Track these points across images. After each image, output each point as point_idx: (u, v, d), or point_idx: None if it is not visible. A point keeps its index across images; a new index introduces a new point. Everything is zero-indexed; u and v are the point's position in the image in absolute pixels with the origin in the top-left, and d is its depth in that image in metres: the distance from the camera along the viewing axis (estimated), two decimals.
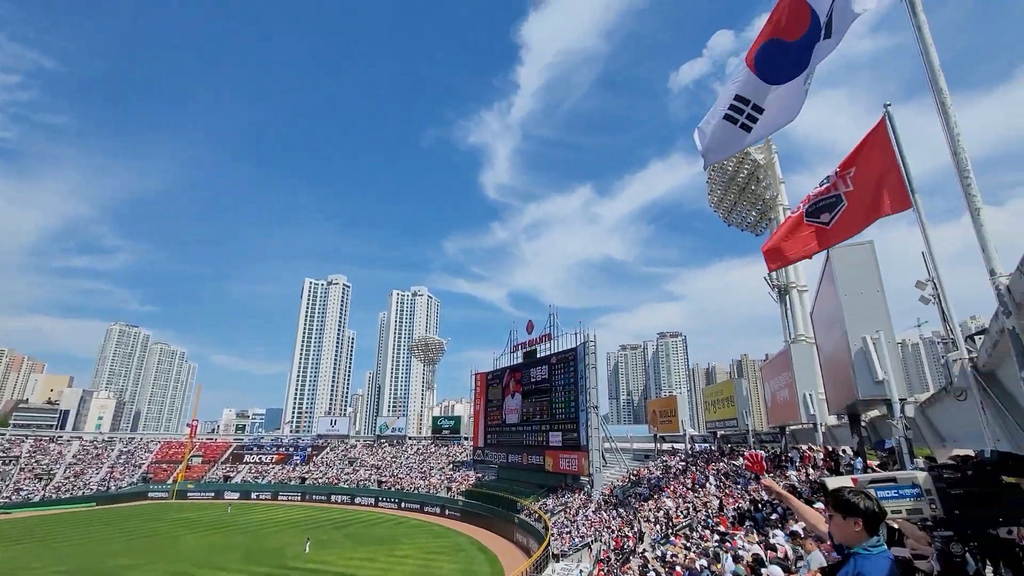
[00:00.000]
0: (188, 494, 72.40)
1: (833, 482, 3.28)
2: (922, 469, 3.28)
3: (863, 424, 16.73)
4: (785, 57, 6.92)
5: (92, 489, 70.61)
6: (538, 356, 53.05)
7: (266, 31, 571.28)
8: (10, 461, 72.18)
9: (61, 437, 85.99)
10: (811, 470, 19.66)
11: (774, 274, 36.19)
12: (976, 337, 7.32)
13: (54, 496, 66.69)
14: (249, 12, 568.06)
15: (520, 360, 56.15)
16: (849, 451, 18.78)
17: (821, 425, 21.15)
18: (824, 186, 8.07)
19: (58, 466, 74.37)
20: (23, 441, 77.90)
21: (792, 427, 27.56)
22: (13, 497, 64.41)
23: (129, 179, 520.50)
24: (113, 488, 72.10)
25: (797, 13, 6.69)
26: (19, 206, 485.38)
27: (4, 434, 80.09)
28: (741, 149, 7.71)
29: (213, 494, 72.17)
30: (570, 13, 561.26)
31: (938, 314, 8.59)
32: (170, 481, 74.94)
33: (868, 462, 15.49)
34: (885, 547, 2.82)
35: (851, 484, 3.23)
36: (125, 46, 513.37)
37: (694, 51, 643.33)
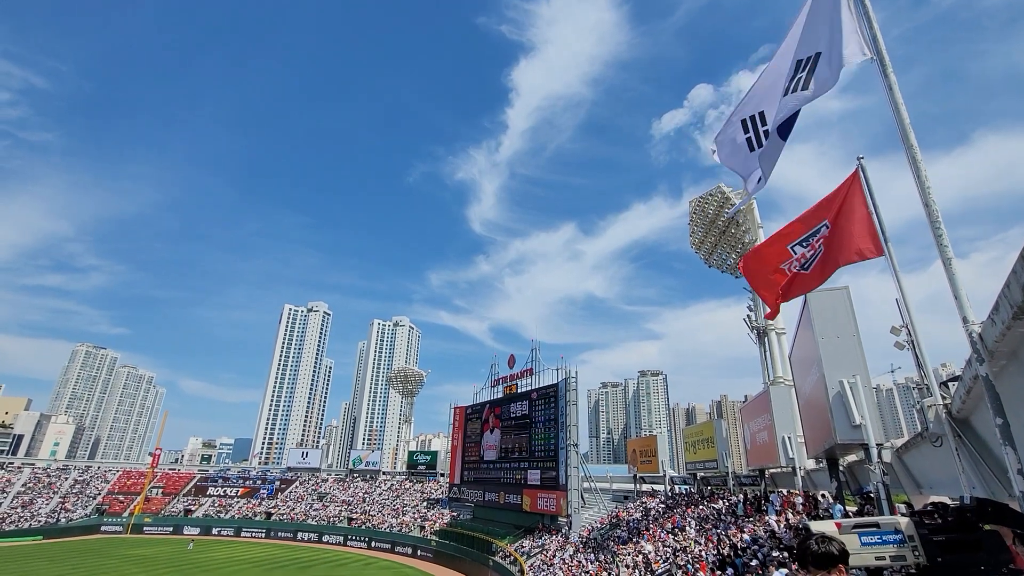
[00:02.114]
0: (144, 528, 68.40)
1: (817, 526, 3.26)
2: (904, 515, 3.29)
3: (841, 469, 16.77)
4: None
5: (40, 521, 66.23)
6: (519, 391, 52.47)
7: (256, 60, 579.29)
8: None
9: (11, 464, 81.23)
10: (791, 515, 19.49)
11: (753, 316, 36.86)
12: (949, 384, 7.49)
13: None
14: (240, 41, 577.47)
15: (501, 395, 55.44)
16: (828, 496, 18.73)
17: (800, 469, 21.11)
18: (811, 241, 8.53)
19: (5, 495, 69.90)
20: None
21: (771, 470, 27.47)
22: None
23: (110, 198, 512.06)
24: (64, 520, 67.73)
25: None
26: None
27: None
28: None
29: (171, 529, 68.30)
30: (558, 62, 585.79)
31: (912, 360, 8.80)
32: (126, 514, 70.83)
33: (847, 507, 15.44)
34: None
35: (835, 528, 3.21)
36: (113, 68, 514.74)
37: (675, 102, 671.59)
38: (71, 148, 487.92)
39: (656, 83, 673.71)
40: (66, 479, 77.82)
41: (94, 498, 74.25)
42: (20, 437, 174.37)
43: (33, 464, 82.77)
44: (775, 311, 9.55)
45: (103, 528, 67.99)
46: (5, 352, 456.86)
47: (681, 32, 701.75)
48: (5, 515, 65.52)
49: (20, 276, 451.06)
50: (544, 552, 37.49)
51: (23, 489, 72.34)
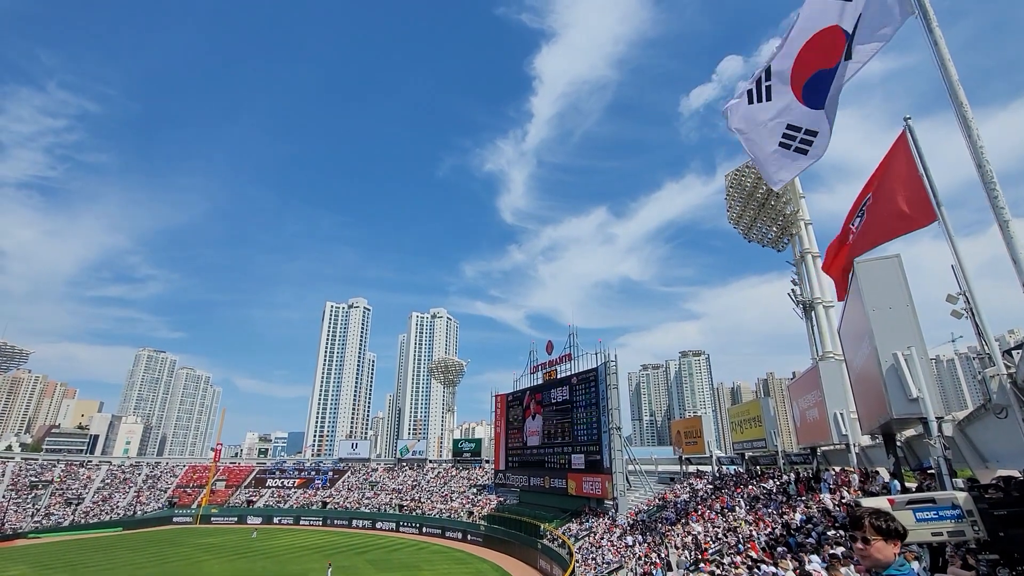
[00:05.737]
0: (212, 519, 72.79)
1: (869, 503, 3.21)
2: (962, 489, 3.18)
3: (898, 444, 16.13)
4: (826, 82, 7.32)
5: (119, 514, 71.52)
6: (558, 377, 52.61)
7: (288, 68, 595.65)
8: (42, 486, 73.74)
9: (91, 462, 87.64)
10: (846, 492, 18.92)
11: (798, 290, 35.57)
12: (1014, 352, 7.08)
13: (83, 521, 67.70)
14: (271, 49, 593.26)
15: (540, 381, 55.72)
16: (885, 473, 18.07)
17: (854, 445, 20.42)
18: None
19: (87, 491, 75.65)
20: (54, 466, 79.63)
21: (823, 447, 26.66)
22: (44, 521, 65.58)
23: (162, 211, 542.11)
24: (139, 513, 72.91)
25: (833, 41, 7.00)
26: (62, 239, 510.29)
27: (37, 459, 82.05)
28: (804, 170, 8.11)
29: (236, 519, 72.40)
30: (581, 45, 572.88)
31: (972, 328, 8.35)
32: (194, 506, 75.54)
33: (905, 483, 14.87)
34: (908, 564, 2.78)
35: (888, 505, 3.15)
36: (155, 88, 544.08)
37: (703, 76, 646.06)
38: (125, 166, 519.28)
39: (683, 59, 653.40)
40: (139, 474, 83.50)
41: (165, 491, 79.45)
42: (96, 437, 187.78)
43: (109, 462, 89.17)
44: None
45: (175, 519, 72.70)
46: (78, 359, 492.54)
47: (706, 4, 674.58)
48: (88, 509, 71.04)
49: (87, 289, 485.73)
50: (592, 535, 37.76)
51: (102, 485, 78.09)
